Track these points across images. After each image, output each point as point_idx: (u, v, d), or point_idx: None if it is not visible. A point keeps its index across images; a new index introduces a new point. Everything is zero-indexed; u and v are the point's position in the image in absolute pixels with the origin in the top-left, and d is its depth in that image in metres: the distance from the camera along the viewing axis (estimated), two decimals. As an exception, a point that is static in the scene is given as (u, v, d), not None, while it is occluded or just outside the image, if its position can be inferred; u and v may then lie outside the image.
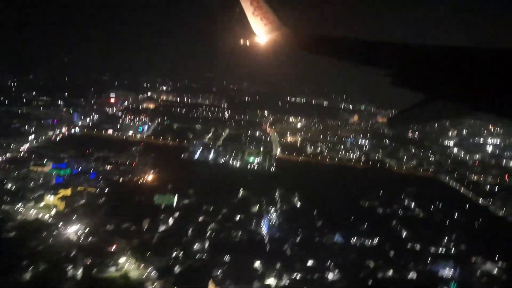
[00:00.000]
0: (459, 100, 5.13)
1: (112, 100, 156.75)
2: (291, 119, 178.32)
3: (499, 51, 4.86)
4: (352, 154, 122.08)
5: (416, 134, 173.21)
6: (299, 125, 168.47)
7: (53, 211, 55.61)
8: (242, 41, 10.72)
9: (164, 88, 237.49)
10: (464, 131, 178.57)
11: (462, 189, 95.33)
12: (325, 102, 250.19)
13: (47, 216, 54.20)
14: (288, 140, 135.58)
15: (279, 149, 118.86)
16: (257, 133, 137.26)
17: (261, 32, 10.04)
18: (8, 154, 77.89)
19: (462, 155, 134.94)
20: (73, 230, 50.78)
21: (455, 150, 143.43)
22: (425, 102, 5.75)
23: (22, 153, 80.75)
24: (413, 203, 78.97)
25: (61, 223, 52.16)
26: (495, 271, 54.11)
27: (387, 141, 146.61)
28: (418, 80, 5.69)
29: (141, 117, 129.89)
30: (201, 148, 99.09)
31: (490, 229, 69.19)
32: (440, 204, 79.69)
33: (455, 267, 52.41)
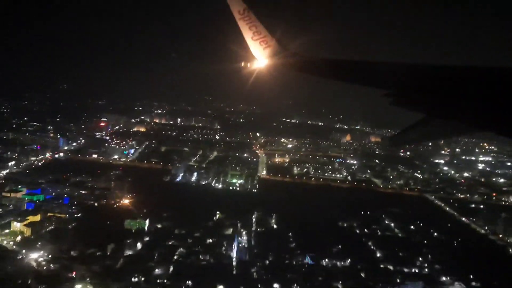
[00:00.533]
0: (458, 119, 5.21)
1: (103, 124, 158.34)
2: (283, 140, 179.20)
3: (498, 69, 4.90)
4: (338, 174, 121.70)
5: (408, 153, 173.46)
6: (289, 146, 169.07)
7: (19, 238, 55.31)
8: (241, 65, 11.03)
9: (159, 111, 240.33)
10: (458, 149, 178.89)
11: (446, 207, 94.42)
12: (320, 123, 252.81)
13: (11, 243, 53.86)
14: (276, 161, 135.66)
15: (265, 171, 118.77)
16: (245, 155, 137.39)
17: (261, 55, 10.34)
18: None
19: (452, 173, 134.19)
20: (34, 257, 50.32)
21: (445, 168, 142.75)
22: (424, 121, 5.87)
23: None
24: (392, 223, 78.14)
25: (24, 250, 51.78)
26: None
27: (376, 161, 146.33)
28: (417, 100, 5.77)
29: (129, 140, 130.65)
30: (184, 170, 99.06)
31: (468, 247, 68.20)
32: (421, 223, 78.99)
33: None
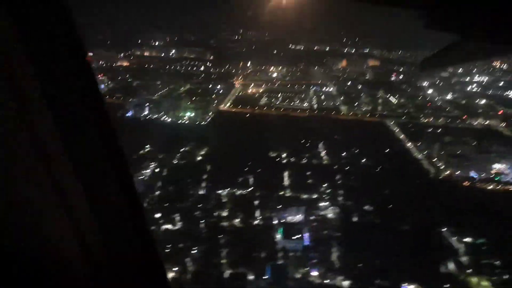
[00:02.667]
0: (493, 39, 4.79)
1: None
2: (272, 69, 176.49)
3: None
4: (306, 103, 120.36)
5: (401, 76, 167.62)
6: (274, 75, 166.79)
7: None
8: None
9: (157, 43, 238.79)
10: (460, 70, 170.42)
11: (400, 133, 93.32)
12: (327, 48, 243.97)
13: None
14: (249, 92, 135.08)
15: (229, 103, 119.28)
16: (219, 86, 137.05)
17: None
18: None
19: (432, 97, 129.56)
20: None
21: (428, 92, 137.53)
22: (457, 43, 5.45)
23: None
24: (325, 151, 78.94)
25: None
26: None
27: (359, 87, 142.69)
28: (450, 20, 5.05)
29: (100, 76, 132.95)
30: (137, 105, 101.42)
31: (389, 172, 69.00)
32: (358, 149, 79.20)
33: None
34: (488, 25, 4.27)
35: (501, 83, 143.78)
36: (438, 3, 4.90)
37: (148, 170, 64.27)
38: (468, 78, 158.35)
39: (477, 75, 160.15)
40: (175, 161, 71.00)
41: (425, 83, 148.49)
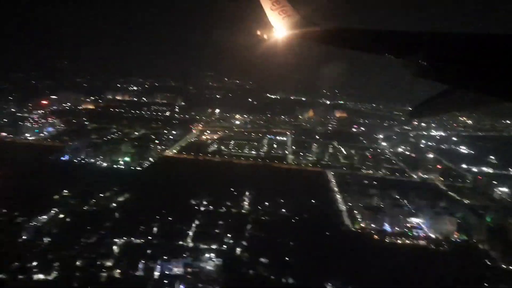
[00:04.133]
0: (482, 89, 5.23)
1: (45, 103, 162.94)
2: (238, 116, 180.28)
3: None
4: (254, 151, 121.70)
5: (362, 128, 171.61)
6: (237, 122, 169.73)
7: None
8: (258, 34, 11.34)
9: (134, 88, 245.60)
10: (423, 124, 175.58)
11: (334, 184, 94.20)
12: (303, 98, 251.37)
13: None
14: (203, 138, 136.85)
15: (178, 148, 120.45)
16: (175, 132, 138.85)
17: (280, 26, 10.46)
18: None
19: (382, 149, 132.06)
20: None
21: (383, 143, 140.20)
22: (446, 92, 5.96)
23: None
24: (248, 200, 79.19)
25: None
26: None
27: (317, 137, 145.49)
28: (440, 70, 5.82)
29: (50, 119, 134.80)
30: (75, 149, 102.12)
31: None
32: (282, 199, 79.69)
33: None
34: (477, 75, 4.93)
35: (455, 139, 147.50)
36: (430, 53, 6.19)
37: (44, 216, 63.56)
38: (427, 132, 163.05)
39: (435, 130, 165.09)
40: (85, 207, 70.52)
41: (381, 136, 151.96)
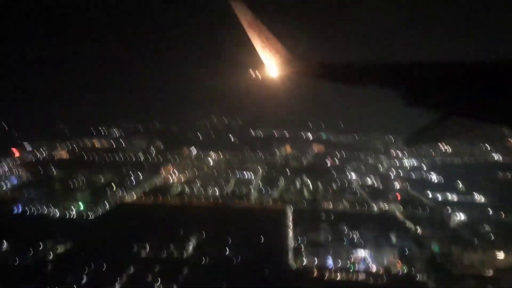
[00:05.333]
0: (473, 116, 5.36)
1: (17, 154, 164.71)
2: (213, 155, 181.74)
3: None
4: (219, 190, 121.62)
5: (337, 161, 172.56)
6: (211, 163, 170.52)
7: None
8: (250, 73, 11.52)
9: (116, 132, 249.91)
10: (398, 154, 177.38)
11: (290, 219, 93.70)
12: (287, 134, 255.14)
13: None
14: (170, 180, 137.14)
15: (139, 193, 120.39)
16: (142, 176, 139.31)
17: (272, 64, 10.75)
18: None
19: (352, 182, 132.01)
20: None
21: (352, 176, 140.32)
22: (439, 120, 6.03)
23: None
24: (194, 243, 78.62)
25: None
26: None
27: (287, 172, 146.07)
28: (430, 99, 5.91)
29: (18, 169, 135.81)
30: (28, 199, 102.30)
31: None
32: (230, 240, 79.09)
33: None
34: (469, 102, 4.97)
35: (428, 167, 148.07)
36: (419, 82, 6.35)
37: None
38: (402, 162, 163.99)
39: (411, 159, 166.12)
40: (16, 262, 70.02)
41: (354, 168, 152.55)
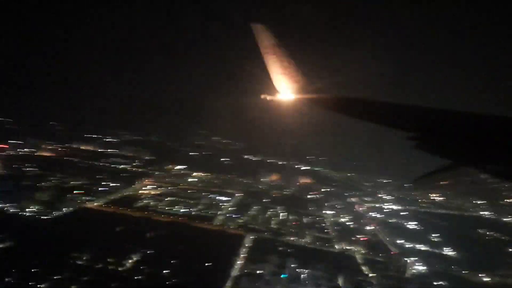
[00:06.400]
0: (482, 167, 5.38)
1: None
2: (197, 173, 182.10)
3: None
4: (185, 208, 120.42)
5: (317, 196, 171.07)
6: (190, 180, 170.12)
7: None
8: (262, 98, 11.39)
9: (111, 139, 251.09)
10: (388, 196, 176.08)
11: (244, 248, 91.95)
12: (279, 162, 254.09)
13: None
14: (141, 193, 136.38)
15: (104, 201, 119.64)
16: (113, 185, 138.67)
17: (288, 90, 10.70)
18: None
19: (327, 218, 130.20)
20: None
21: (328, 212, 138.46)
22: (448, 167, 6.05)
23: None
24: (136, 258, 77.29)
25: None
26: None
27: (264, 200, 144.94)
28: (441, 145, 5.99)
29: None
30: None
31: None
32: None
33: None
34: (478, 153, 5.05)
35: (407, 214, 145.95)
36: (432, 128, 6.45)
37: None
38: (385, 205, 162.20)
39: (396, 203, 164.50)
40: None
41: (334, 204, 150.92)
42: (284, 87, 10.80)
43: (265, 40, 10.24)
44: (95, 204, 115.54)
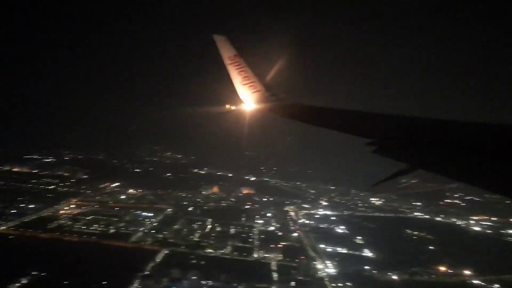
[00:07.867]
0: (440, 170, 5.26)
1: None
2: (130, 190, 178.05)
3: (484, 125, 5.27)
4: (105, 227, 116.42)
5: (256, 206, 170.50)
6: (123, 197, 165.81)
7: None
8: (226, 108, 11.25)
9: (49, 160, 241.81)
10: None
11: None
12: (229, 174, 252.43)
13: None
14: (60, 213, 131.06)
15: (17, 223, 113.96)
16: (34, 206, 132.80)
17: (249, 100, 10.83)
18: None
19: (255, 227, 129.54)
20: None
21: (259, 221, 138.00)
22: (406, 171, 6.09)
23: None
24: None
25: None
26: None
27: (196, 213, 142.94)
28: (399, 150, 5.90)
29: None
30: None
31: None
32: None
33: None
34: (437, 157, 5.06)
35: (337, 218, 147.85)
36: (391, 133, 6.42)
37: None
38: (321, 210, 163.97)
39: (333, 209, 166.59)
40: None
41: (268, 213, 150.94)
42: (246, 97, 11.17)
43: (227, 51, 10.62)
44: (9, 227, 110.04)
